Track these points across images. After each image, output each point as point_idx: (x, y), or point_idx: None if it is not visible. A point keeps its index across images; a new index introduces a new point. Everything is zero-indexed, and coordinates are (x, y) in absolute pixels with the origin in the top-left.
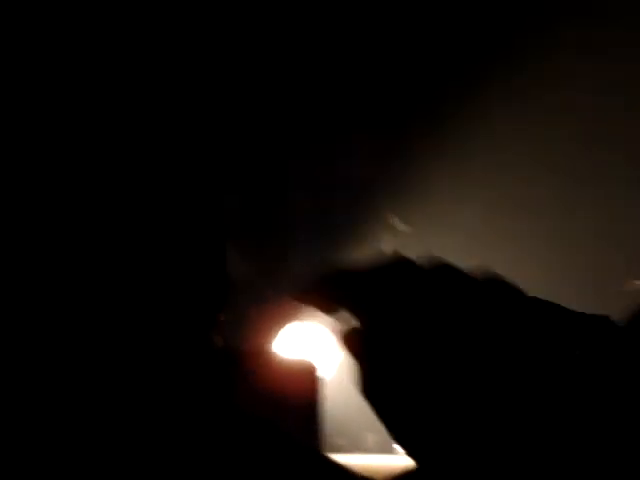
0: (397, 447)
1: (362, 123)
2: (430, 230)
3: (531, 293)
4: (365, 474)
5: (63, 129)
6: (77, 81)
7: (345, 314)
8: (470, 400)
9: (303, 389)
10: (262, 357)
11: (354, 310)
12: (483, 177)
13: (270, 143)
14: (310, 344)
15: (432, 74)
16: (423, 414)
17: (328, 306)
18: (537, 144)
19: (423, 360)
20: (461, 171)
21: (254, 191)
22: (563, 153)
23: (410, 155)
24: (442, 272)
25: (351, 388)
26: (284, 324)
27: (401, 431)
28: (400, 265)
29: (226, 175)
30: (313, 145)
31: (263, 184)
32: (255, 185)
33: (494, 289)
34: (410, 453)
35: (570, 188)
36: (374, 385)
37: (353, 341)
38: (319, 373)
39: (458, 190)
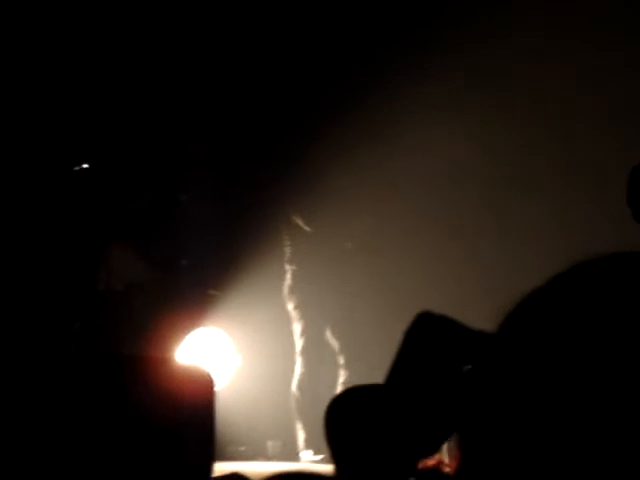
0: (300, 454)
1: (265, 126)
2: (331, 232)
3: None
4: (261, 475)
5: None
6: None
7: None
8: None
9: (200, 397)
10: (161, 364)
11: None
12: (382, 185)
13: (168, 148)
14: (210, 351)
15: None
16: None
17: None
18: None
19: None
20: (364, 177)
21: (154, 197)
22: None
23: (313, 157)
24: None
25: (251, 396)
26: (187, 331)
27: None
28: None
29: (127, 181)
30: (212, 146)
31: (163, 189)
32: (156, 190)
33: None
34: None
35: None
36: None
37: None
38: (216, 381)
39: (358, 196)
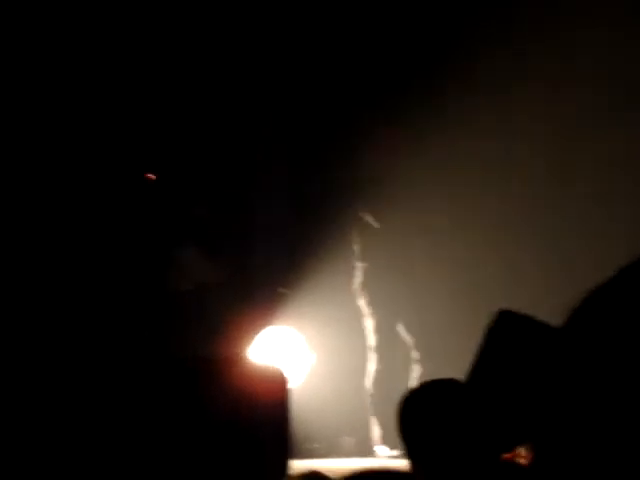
0: (375, 450)
1: (328, 126)
2: (400, 228)
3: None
4: (339, 473)
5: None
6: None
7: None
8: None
9: (274, 396)
10: (234, 364)
11: None
12: (453, 181)
13: (236, 154)
14: (283, 349)
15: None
16: None
17: None
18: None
19: None
20: (434, 173)
21: (220, 202)
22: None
23: (381, 153)
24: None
25: (325, 393)
26: (258, 330)
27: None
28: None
29: (192, 186)
30: (281, 145)
31: (229, 194)
32: (222, 196)
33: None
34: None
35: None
36: None
37: None
38: (290, 379)
39: (429, 192)
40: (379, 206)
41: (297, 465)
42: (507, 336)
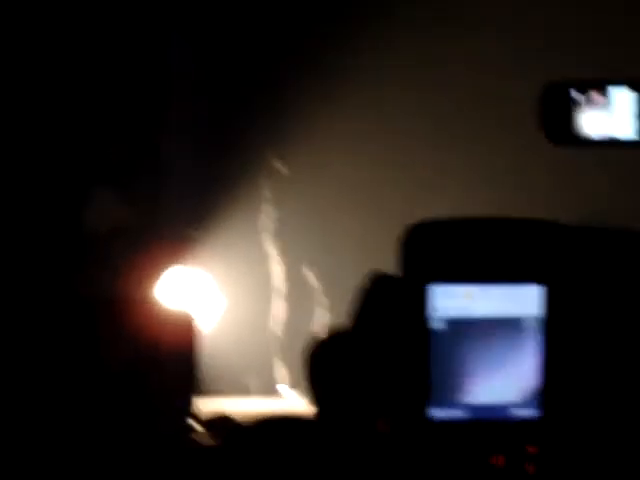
0: (279, 389)
1: (244, 64)
2: (310, 173)
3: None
4: (250, 416)
5: None
6: None
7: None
8: None
9: (180, 338)
10: (139, 306)
11: None
12: (363, 127)
13: (147, 91)
14: (191, 290)
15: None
16: None
17: None
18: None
19: None
20: (342, 119)
21: (128, 138)
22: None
23: (293, 99)
24: None
25: (231, 335)
26: (165, 271)
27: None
28: None
29: (105, 127)
30: (192, 88)
31: (138, 131)
32: (130, 131)
33: None
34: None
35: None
36: None
37: None
38: (198, 321)
39: (338, 137)
40: (289, 151)
41: (204, 404)
42: (375, 297)
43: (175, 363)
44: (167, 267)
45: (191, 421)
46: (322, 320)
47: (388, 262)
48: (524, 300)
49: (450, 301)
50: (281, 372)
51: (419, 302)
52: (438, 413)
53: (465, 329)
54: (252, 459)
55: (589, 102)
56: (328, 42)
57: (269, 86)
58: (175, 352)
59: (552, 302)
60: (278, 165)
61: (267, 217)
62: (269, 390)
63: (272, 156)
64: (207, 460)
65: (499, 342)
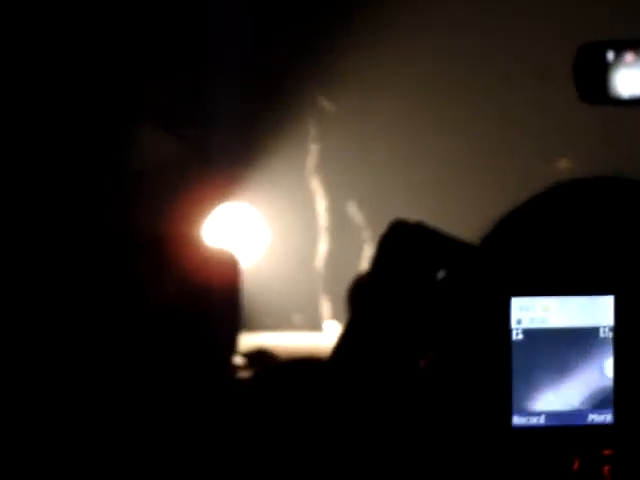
0: (325, 325)
1: (289, 5)
2: (355, 111)
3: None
4: (291, 351)
5: None
6: None
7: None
8: None
9: (225, 277)
10: (185, 242)
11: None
12: (407, 67)
13: (194, 25)
14: (237, 226)
15: None
16: None
17: None
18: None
19: None
20: (388, 59)
21: (175, 77)
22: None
23: (338, 37)
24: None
25: (276, 271)
26: (212, 206)
27: None
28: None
29: (148, 62)
30: (238, 24)
31: (185, 70)
32: (176, 71)
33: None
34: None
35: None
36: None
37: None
38: (243, 258)
39: (384, 76)
40: (335, 89)
41: (248, 339)
42: (398, 248)
43: (220, 302)
44: (214, 204)
45: (235, 357)
46: (367, 256)
47: (431, 199)
48: (598, 310)
49: (528, 313)
50: (326, 308)
51: (502, 314)
52: (519, 421)
53: (542, 340)
54: (277, 395)
55: (624, 62)
56: None
57: (316, 24)
58: (220, 291)
59: (623, 310)
60: (324, 103)
61: (313, 154)
62: (314, 326)
63: (318, 94)
64: (237, 394)
65: (574, 351)
